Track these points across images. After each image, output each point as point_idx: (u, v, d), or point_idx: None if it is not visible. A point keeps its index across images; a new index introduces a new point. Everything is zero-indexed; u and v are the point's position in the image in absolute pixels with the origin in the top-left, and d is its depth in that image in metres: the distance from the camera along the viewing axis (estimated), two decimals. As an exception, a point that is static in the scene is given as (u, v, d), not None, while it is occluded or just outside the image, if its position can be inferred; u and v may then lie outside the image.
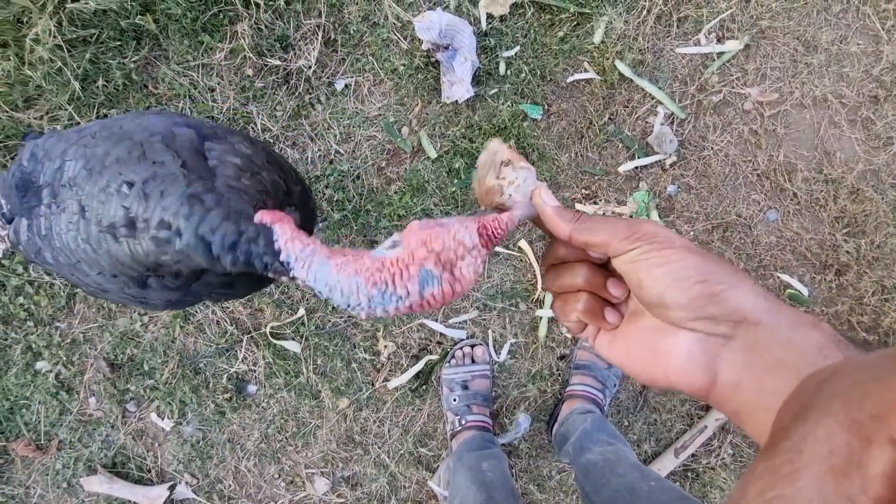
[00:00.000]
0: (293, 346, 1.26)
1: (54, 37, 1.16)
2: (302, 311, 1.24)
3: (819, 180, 1.23)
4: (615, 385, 1.21)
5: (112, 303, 1.27)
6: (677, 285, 0.32)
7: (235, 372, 1.27)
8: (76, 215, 0.53)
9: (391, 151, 1.25)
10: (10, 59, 1.17)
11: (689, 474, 1.27)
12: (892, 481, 0.18)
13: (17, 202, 0.61)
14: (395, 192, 1.23)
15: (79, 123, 1.23)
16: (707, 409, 1.26)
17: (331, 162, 1.25)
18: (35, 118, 1.22)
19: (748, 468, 0.26)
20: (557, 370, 1.27)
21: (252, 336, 1.26)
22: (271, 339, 1.25)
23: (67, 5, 1.17)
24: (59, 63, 1.17)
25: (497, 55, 1.23)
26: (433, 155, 1.23)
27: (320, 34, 1.23)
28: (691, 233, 1.24)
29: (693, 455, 1.25)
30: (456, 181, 1.24)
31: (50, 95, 1.21)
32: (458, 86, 1.20)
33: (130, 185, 0.50)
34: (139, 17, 1.21)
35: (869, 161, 1.23)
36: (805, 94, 1.23)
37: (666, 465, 1.23)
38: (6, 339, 1.26)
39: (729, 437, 1.25)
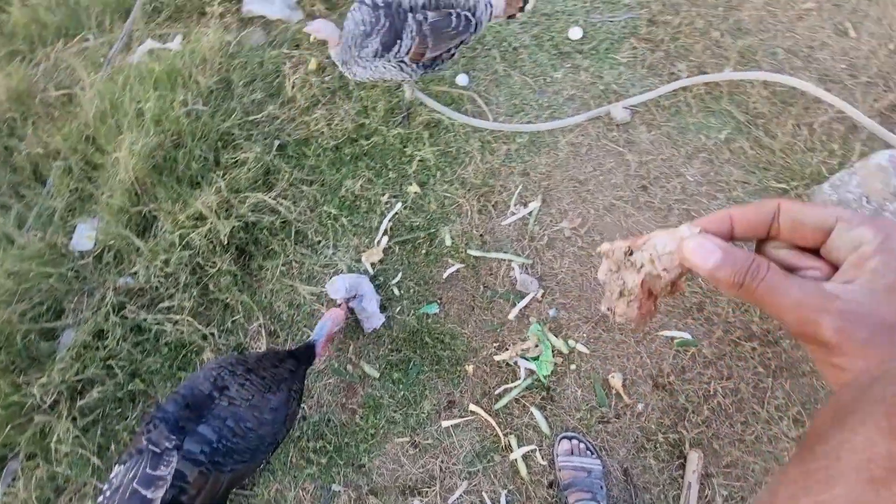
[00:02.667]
0: None
1: (71, 431, 1.50)
2: None
3: (642, 257, 1.64)
4: (601, 487, 1.38)
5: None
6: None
7: None
8: None
9: (345, 388, 1.57)
10: (39, 466, 1.48)
11: (709, 533, 1.37)
12: None
13: None
14: (361, 418, 1.52)
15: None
16: (681, 466, 1.42)
17: (304, 418, 1.54)
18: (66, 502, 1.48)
19: (780, 471, 0.26)
20: (554, 498, 1.43)
21: None
22: None
23: (77, 403, 1.54)
24: (80, 449, 1.48)
25: (389, 284, 1.67)
26: (376, 375, 1.57)
27: (264, 331, 1.64)
28: (584, 336, 1.57)
29: (699, 513, 1.37)
30: (401, 385, 1.55)
31: (75, 478, 1.49)
32: (372, 318, 1.60)
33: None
34: (130, 384, 1.59)
35: (665, 227, 1.67)
36: (598, 208, 1.72)
37: (686, 535, 1.33)
38: None
39: (712, 480, 1.40)
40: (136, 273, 1.68)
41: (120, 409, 1.56)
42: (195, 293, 1.65)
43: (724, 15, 2.04)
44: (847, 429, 0.22)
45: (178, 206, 1.71)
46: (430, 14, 1.49)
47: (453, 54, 1.59)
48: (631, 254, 0.40)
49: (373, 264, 1.70)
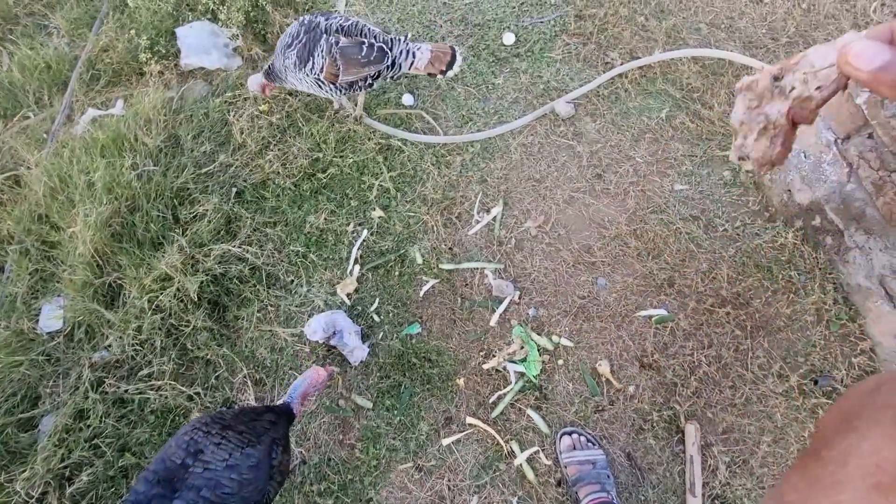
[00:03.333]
0: None
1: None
2: None
3: (608, 242, 1.68)
4: (608, 476, 1.39)
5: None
6: None
7: None
8: None
9: (340, 424, 1.56)
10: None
11: (717, 501, 1.39)
12: None
13: None
14: (361, 451, 1.51)
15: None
16: (681, 441, 1.45)
17: (304, 462, 1.52)
18: None
19: (784, 476, 0.26)
20: (564, 496, 1.43)
21: None
22: None
23: (67, 490, 1.48)
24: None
25: (367, 312, 1.67)
26: (370, 406, 1.56)
27: (249, 381, 1.62)
28: (566, 329, 1.59)
29: (705, 484, 1.39)
30: (395, 411, 1.54)
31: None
32: (356, 351, 1.59)
33: None
34: (121, 460, 1.54)
35: (624, 210, 1.73)
36: (559, 203, 1.76)
37: (696, 506, 1.35)
38: None
39: (712, 449, 1.43)
40: (109, 346, 1.64)
41: (114, 488, 1.52)
42: (174, 355, 1.62)
43: (645, 0, 2.13)
44: (854, 433, 0.22)
45: (142, 271, 1.68)
46: (343, 39, 1.55)
47: (371, 84, 1.63)
48: (779, 80, 0.37)
49: (349, 295, 1.69)
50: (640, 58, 1.96)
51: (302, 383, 1.29)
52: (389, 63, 1.58)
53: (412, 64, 1.60)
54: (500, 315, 1.62)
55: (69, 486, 1.47)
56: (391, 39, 1.59)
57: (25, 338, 1.73)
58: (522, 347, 1.56)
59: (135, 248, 1.74)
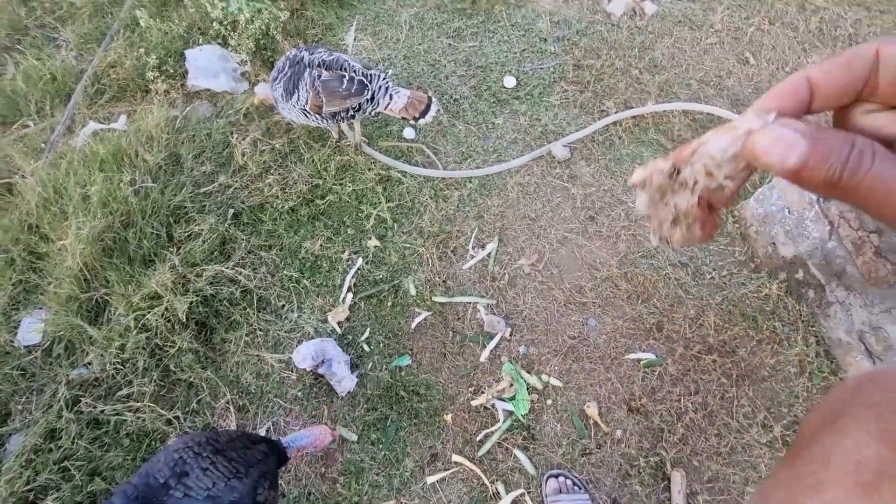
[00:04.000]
0: None
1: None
2: None
3: (599, 283, 1.71)
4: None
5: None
6: None
7: None
8: None
9: (323, 456, 1.52)
10: None
11: (702, 553, 1.38)
12: None
13: None
14: (343, 486, 1.47)
15: None
16: (667, 489, 1.44)
17: (283, 495, 1.47)
18: None
19: (769, 475, 0.26)
20: (547, 539, 1.40)
21: None
22: None
23: (29, 516, 1.41)
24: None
25: (358, 342, 1.66)
26: (354, 438, 1.53)
27: (232, 407, 1.58)
28: (555, 369, 1.60)
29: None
30: (380, 445, 1.52)
31: None
32: (345, 380, 1.57)
33: None
34: (90, 484, 1.47)
35: (616, 253, 1.77)
36: (552, 242, 1.80)
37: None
38: None
39: (697, 497, 1.42)
40: (90, 363, 1.60)
41: (79, 515, 1.44)
42: (155, 376, 1.58)
43: (639, 55, 2.25)
44: (836, 432, 0.22)
45: (131, 288, 1.66)
46: (325, 73, 1.62)
47: (353, 115, 1.69)
48: (678, 173, 0.33)
49: (339, 323, 1.69)
50: (633, 108, 2.06)
51: (306, 438, 1.27)
52: (369, 97, 1.64)
53: (388, 105, 1.66)
54: (491, 351, 1.62)
55: (32, 511, 1.39)
56: (371, 74, 1.65)
57: (1, 350, 1.68)
58: (511, 385, 1.56)
59: (125, 265, 1.72)
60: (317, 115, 1.68)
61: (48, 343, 1.67)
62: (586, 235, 1.81)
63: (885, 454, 0.19)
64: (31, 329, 1.73)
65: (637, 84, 2.15)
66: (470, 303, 1.70)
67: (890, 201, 0.24)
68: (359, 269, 1.77)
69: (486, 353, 1.62)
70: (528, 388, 1.56)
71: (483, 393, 1.56)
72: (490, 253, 1.78)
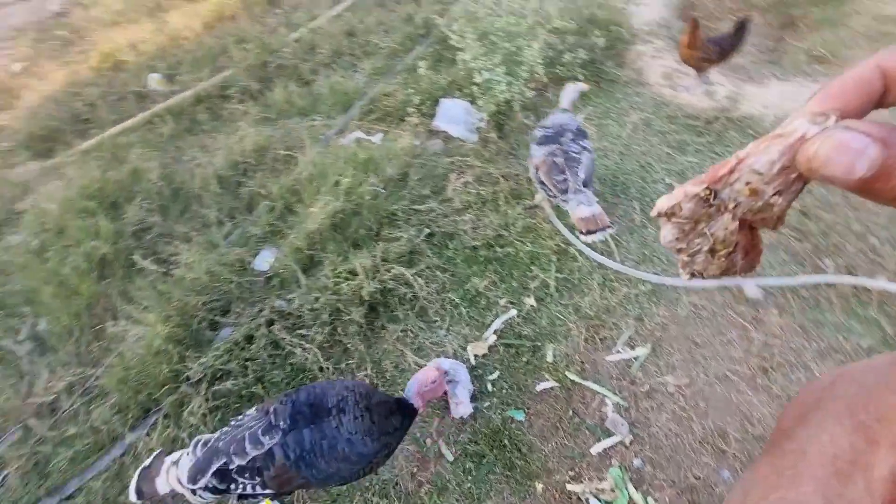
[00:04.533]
0: None
1: (202, 408, 1.81)
2: None
3: (748, 439, 1.55)
4: None
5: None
6: None
7: None
8: None
9: (419, 459, 1.67)
10: (169, 427, 1.79)
11: None
12: None
13: None
14: (426, 493, 1.59)
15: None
16: None
17: (375, 472, 1.66)
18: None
19: (749, 468, 0.26)
20: None
21: None
22: None
23: (214, 387, 1.86)
24: (201, 425, 1.77)
25: (485, 379, 1.80)
26: (450, 458, 1.65)
27: (367, 381, 1.86)
28: (666, 499, 1.49)
29: None
30: (470, 477, 1.61)
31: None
32: (462, 405, 1.72)
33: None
34: (254, 386, 1.88)
35: (782, 418, 1.58)
36: (710, 375, 1.70)
37: None
38: None
39: None
40: (291, 300, 2.06)
41: (239, 405, 1.85)
42: (326, 331, 1.96)
43: (886, 224, 2.01)
44: (812, 425, 0.22)
45: (339, 259, 2.11)
46: (558, 158, 1.93)
47: (547, 194, 1.98)
48: (714, 196, 0.29)
49: (476, 356, 1.86)
50: (859, 276, 1.85)
51: (414, 383, 1.45)
52: (563, 199, 1.86)
53: (573, 209, 1.82)
54: (605, 448, 1.60)
55: (217, 384, 1.84)
56: (586, 190, 1.84)
57: (242, 266, 2.27)
58: (613, 490, 1.51)
59: (342, 241, 2.19)
60: (537, 173, 1.97)
61: (272, 274, 2.20)
62: (752, 385, 1.67)
63: (858, 445, 0.20)
64: (265, 260, 2.31)
65: (872, 253, 1.93)
66: (600, 394, 1.71)
67: None
68: (510, 318, 1.93)
69: (598, 448, 1.60)
70: (628, 501, 1.49)
71: (582, 482, 1.54)
72: (638, 356, 1.77)
